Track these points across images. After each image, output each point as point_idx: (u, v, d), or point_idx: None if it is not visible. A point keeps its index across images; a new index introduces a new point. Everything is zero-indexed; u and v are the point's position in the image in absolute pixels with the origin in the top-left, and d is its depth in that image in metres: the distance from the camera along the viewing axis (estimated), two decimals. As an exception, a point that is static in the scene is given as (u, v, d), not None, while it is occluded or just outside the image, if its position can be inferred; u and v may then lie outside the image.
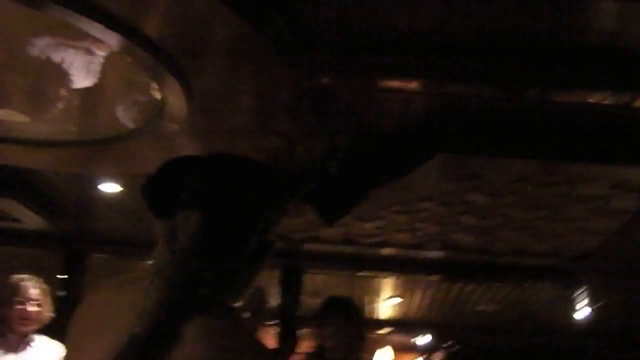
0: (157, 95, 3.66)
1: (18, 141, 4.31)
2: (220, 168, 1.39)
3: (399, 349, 11.70)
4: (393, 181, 4.42)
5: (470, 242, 5.86)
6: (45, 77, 3.89)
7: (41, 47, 3.65)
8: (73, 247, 7.14)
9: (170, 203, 1.34)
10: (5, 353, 3.87)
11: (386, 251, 6.46)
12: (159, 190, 1.38)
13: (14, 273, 4.17)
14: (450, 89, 3.48)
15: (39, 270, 4.46)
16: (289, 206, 1.44)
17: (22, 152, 4.40)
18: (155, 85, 3.55)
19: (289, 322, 6.99)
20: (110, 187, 5.44)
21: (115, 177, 5.19)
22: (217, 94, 3.61)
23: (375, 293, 8.80)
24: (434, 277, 7.21)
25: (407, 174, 4.30)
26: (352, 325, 3.86)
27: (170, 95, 3.56)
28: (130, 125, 4.08)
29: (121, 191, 5.43)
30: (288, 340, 6.53)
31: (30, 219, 6.03)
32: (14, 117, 4.21)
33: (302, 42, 3.17)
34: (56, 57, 3.61)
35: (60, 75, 3.81)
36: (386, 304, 9.34)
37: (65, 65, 3.75)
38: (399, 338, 11.43)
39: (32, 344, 3.96)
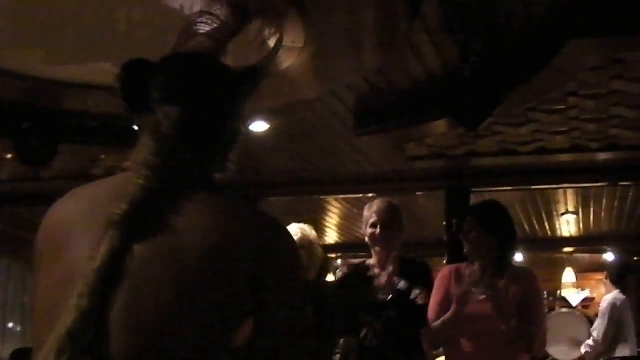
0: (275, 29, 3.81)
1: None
2: (188, 65, 1.57)
3: (585, 269, 11.43)
4: (530, 77, 4.41)
5: (631, 137, 5.68)
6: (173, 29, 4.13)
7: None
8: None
9: (146, 100, 1.52)
10: None
11: (549, 159, 6.37)
12: (134, 89, 1.54)
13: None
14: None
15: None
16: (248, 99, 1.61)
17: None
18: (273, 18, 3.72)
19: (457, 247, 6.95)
20: (259, 126, 5.67)
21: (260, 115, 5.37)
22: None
23: (551, 208, 8.65)
24: (605, 183, 7.02)
25: (541, 68, 4.28)
26: (487, 232, 3.84)
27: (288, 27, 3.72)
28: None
29: (269, 128, 5.65)
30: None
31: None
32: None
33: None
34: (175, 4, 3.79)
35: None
36: (564, 220, 9.15)
37: (187, 11, 3.96)
38: (584, 257, 11.19)
39: None
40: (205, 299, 1.36)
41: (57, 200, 1.53)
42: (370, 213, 4.13)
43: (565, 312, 9.33)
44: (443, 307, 3.82)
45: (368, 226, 4.11)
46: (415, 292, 3.93)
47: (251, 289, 1.40)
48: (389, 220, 4.07)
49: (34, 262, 1.50)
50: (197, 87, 1.53)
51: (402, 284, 3.95)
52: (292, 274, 1.49)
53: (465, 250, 3.91)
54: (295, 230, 4.19)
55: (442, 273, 4.04)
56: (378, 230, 4.05)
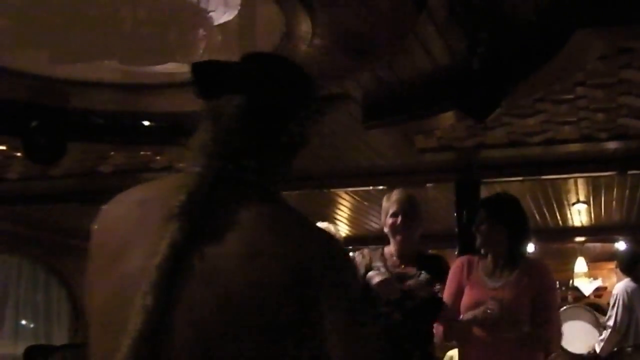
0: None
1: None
2: (263, 62, 1.58)
3: (597, 258, 11.39)
4: (538, 68, 4.39)
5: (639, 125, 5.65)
6: (186, 21, 4.12)
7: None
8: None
9: (214, 85, 1.51)
10: None
11: (558, 149, 6.34)
12: (206, 73, 1.53)
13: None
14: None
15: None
16: (320, 107, 1.60)
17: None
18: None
19: (467, 239, 6.94)
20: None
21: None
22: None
23: (561, 197, 8.61)
24: (614, 172, 6.98)
25: (549, 58, 4.25)
26: (498, 224, 3.87)
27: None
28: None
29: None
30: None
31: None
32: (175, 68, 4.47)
33: None
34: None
35: (199, 14, 4.03)
36: (575, 209, 9.11)
37: (202, 3, 3.98)
38: (595, 246, 11.15)
39: None
40: (254, 311, 1.33)
41: (106, 204, 1.53)
42: (390, 203, 4.16)
43: (573, 306, 9.29)
44: (456, 298, 3.85)
45: (388, 216, 4.12)
46: (437, 287, 3.97)
47: (304, 307, 1.35)
48: (409, 209, 4.10)
49: (87, 267, 1.48)
50: (264, 81, 1.53)
51: (423, 276, 3.98)
52: (349, 293, 1.45)
53: (477, 243, 3.92)
54: None
55: (455, 264, 4.06)
56: (400, 219, 4.08)
